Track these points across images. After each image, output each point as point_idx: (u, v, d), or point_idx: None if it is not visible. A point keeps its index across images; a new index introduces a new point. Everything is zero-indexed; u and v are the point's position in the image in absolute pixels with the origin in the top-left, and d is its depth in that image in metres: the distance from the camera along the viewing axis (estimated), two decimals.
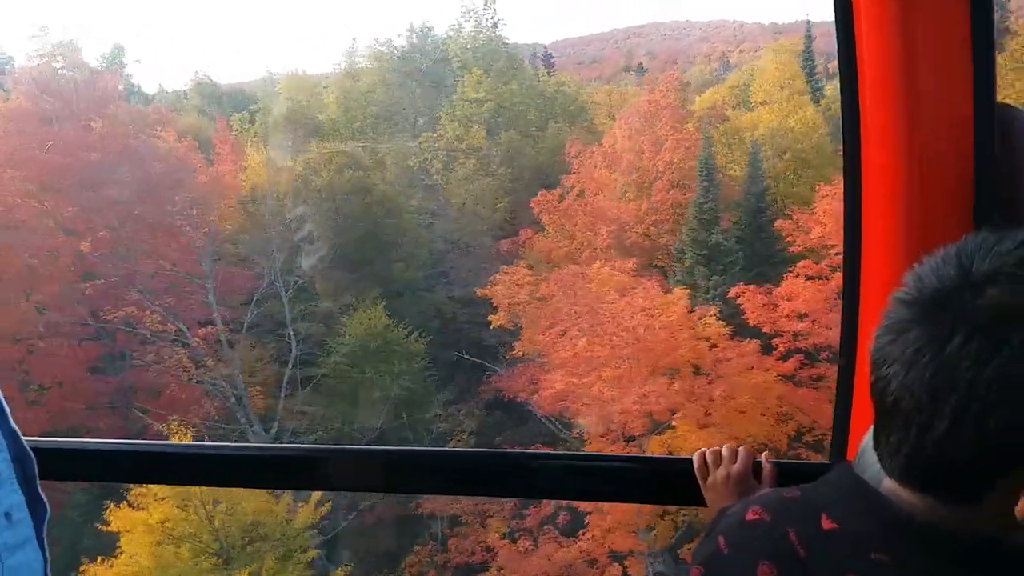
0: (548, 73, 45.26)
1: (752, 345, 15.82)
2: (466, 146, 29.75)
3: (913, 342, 0.75)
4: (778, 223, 18.30)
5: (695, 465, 1.49)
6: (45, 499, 1.21)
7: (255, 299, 19.54)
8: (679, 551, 16.26)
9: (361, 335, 19.50)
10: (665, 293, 17.50)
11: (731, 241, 19.27)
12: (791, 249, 17.62)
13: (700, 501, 1.48)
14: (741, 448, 1.46)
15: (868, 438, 0.90)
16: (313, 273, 23.13)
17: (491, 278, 18.13)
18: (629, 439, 14.05)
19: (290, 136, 31.75)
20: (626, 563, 14.02)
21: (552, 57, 59.86)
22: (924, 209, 1.28)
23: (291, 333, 19.69)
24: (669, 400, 13.70)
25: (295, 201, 24.42)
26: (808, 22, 29.35)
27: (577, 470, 1.75)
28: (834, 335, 16.88)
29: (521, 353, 15.77)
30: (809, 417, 16.90)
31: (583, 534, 13.40)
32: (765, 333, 17.38)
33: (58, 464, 1.83)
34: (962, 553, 0.79)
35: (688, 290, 18.01)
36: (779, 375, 16.92)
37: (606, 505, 13.51)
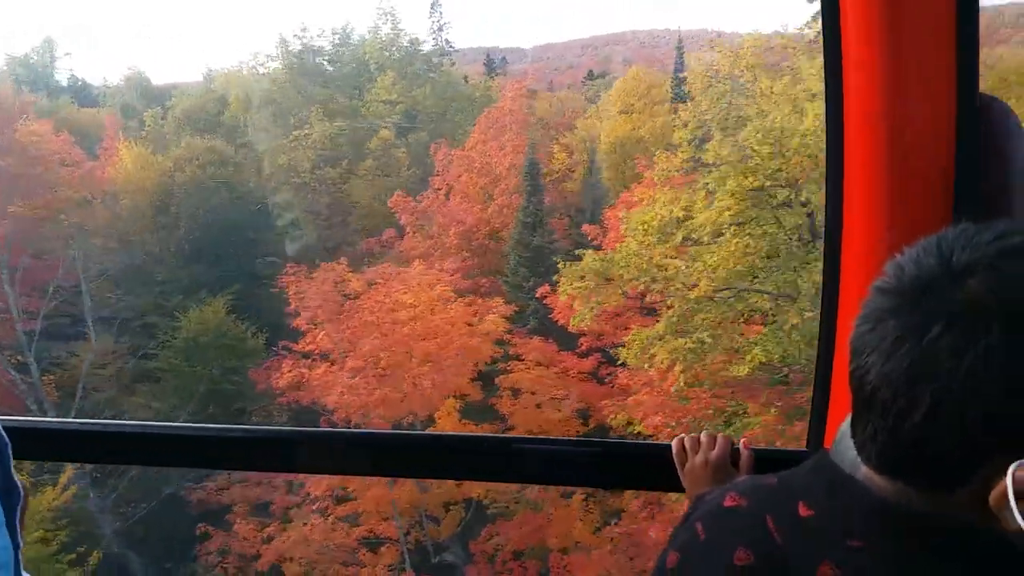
0: (477, 79, 45.44)
1: (537, 342, 16.44)
2: (366, 148, 30.27)
3: (892, 331, 0.75)
4: (584, 227, 18.96)
5: (673, 450, 1.50)
6: (20, 484, 1.18)
7: (51, 290, 20.00)
8: (469, 540, 16.86)
9: (194, 330, 19.93)
10: (485, 298, 18.15)
11: (555, 244, 19.93)
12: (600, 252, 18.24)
13: (678, 487, 1.49)
14: (720, 434, 1.48)
15: (845, 426, 0.90)
16: (172, 267, 23.64)
17: (312, 275, 18.60)
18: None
19: (187, 132, 32.25)
20: (381, 550, 14.54)
21: (501, 61, 60.23)
22: (905, 200, 1.29)
23: (90, 325, 20.14)
24: (428, 393, 14.24)
25: (161, 196, 24.94)
26: (679, 31, 29.96)
27: (556, 455, 1.75)
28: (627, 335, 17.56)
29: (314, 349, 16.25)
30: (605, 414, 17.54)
31: (325, 520, 13.89)
32: (572, 333, 18.02)
33: (33, 445, 1.82)
34: (938, 541, 0.79)
35: (504, 290, 18.63)
36: (580, 372, 17.56)
37: (367, 489, 14.02)
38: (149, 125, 36.92)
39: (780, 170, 10.09)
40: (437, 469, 2.30)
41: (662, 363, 11.31)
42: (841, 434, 0.94)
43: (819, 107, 10.69)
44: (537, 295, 17.84)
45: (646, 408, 11.71)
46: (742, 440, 1.50)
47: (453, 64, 44.11)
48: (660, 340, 11.38)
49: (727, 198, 10.56)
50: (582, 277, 12.97)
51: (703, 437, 1.48)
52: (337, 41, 40.12)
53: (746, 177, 10.28)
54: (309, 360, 14.94)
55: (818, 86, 11.19)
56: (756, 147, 10.02)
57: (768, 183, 10.27)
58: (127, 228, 24.14)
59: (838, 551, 0.81)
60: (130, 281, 23.36)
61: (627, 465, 1.71)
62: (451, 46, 46.01)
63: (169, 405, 19.40)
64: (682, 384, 11.25)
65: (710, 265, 10.67)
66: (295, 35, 34.26)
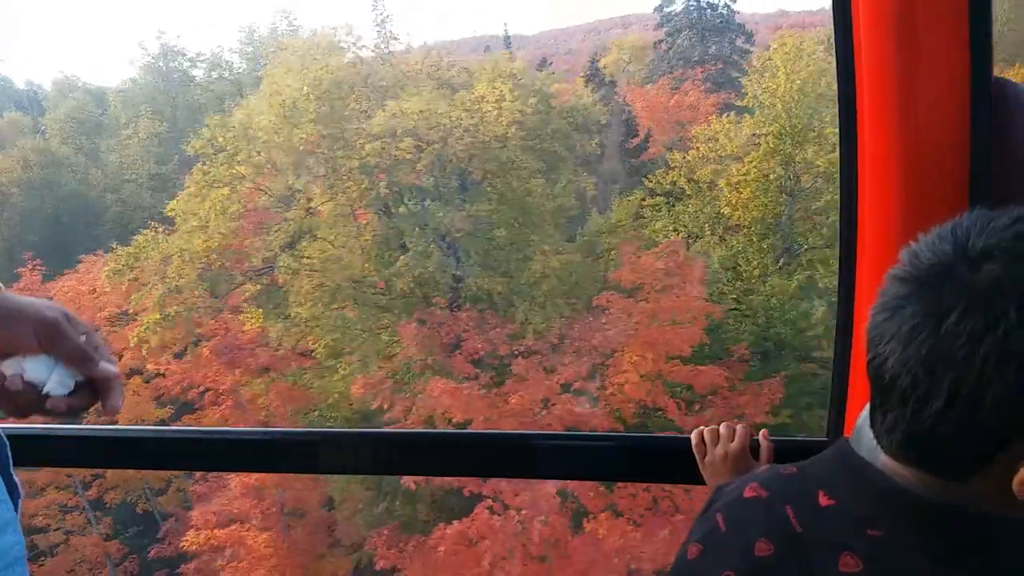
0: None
1: None
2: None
3: (910, 318, 0.75)
4: None
5: (693, 443, 1.50)
6: (19, 482, 1.19)
7: None
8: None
9: None
10: None
11: None
12: None
13: (698, 479, 1.49)
14: (739, 426, 1.48)
15: (864, 415, 0.90)
16: None
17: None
18: None
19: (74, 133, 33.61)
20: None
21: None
22: (920, 185, 1.27)
23: None
24: None
25: None
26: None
27: (575, 449, 1.79)
28: None
29: None
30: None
31: None
32: None
33: (31, 450, 1.85)
34: (959, 529, 0.79)
35: None
36: None
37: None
38: (50, 127, 38.31)
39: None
40: (458, 466, 2.36)
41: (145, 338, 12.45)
42: (859, 424, 0.94)
43: None
44: None
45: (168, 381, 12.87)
46: (761, 431, 1.50)
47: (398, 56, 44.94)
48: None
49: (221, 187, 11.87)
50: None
51: (722, 429, 1.48)
52: (243, 39, 41.19)
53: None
54: None
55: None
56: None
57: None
58: None
59: (859, 540, 0.81)
60: None
61: (647, 459, 1.73)
62: (395, 39, 46.73)
63: None
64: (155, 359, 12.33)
65: (187, 249, 11.65)
66: (156, 36, 35.07)
